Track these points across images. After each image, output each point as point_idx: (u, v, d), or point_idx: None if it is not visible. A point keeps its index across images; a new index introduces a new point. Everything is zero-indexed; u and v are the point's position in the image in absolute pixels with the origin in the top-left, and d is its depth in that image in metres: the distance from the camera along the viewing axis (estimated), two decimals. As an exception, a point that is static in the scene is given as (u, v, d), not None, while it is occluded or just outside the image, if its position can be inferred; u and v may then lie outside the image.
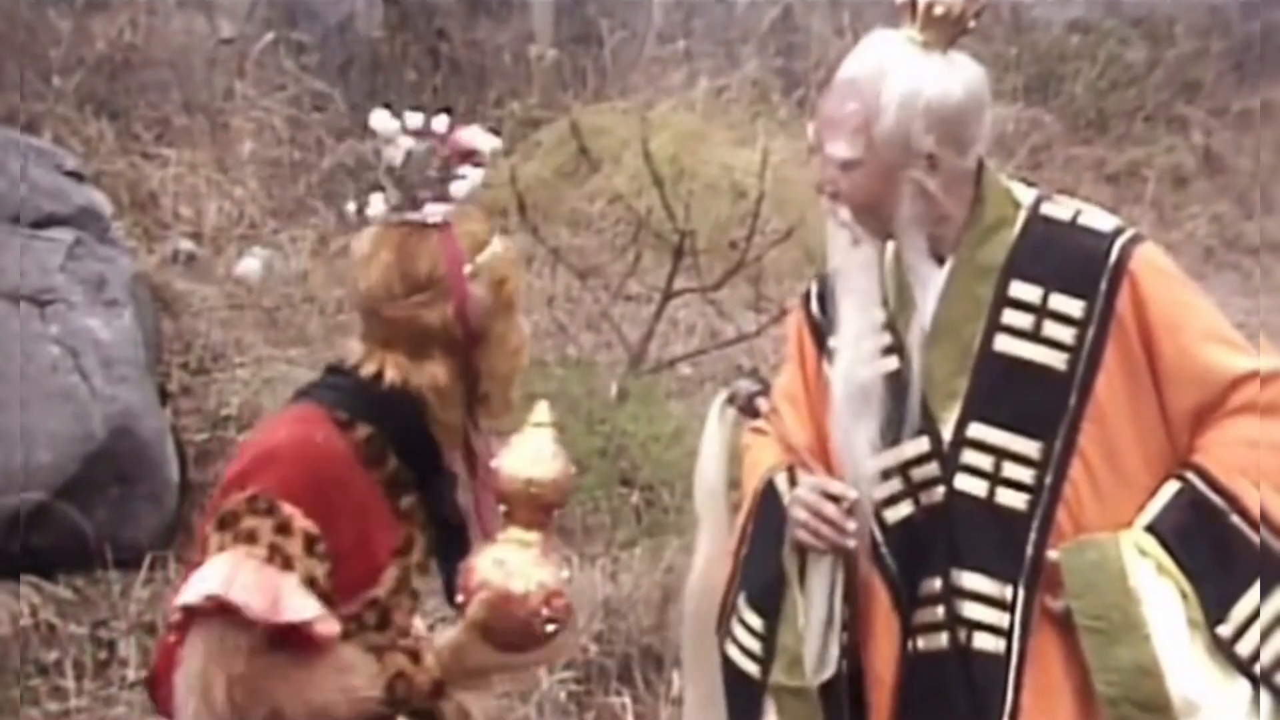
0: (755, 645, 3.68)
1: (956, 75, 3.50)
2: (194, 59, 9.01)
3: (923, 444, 3.58)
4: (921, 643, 3.61)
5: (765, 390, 3.83)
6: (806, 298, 3.76)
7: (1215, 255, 9.93)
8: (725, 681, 3.74)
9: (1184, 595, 3.50)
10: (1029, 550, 3.54)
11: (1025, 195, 3.62)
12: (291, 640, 3.11)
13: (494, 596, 3.11)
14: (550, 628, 3.12)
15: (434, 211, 3.21)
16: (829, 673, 3.62)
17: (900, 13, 3.54)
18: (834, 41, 10.02)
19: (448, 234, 3.21)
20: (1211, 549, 3.51)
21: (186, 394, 7.05)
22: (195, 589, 3.10)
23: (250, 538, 3.11)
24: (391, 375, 3.21)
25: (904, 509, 3.60)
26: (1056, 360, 3.53)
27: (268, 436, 3.26)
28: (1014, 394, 3.55)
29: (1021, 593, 3.54)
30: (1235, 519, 3.51)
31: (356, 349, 3.27)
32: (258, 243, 8.37)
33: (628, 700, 6.04)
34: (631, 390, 7.57)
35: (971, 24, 3.52)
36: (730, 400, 3.83)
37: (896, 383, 3.58)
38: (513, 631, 3.12)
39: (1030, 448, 3.53)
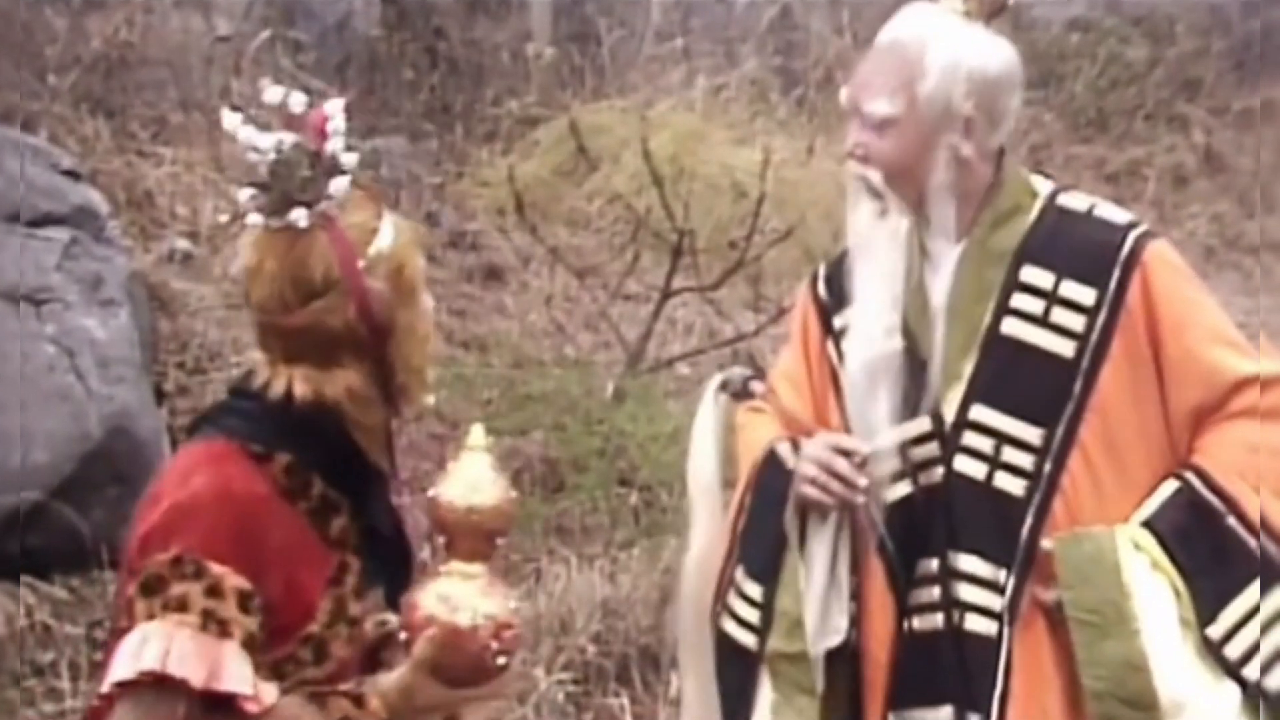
0: (753, 615, 3.66)
1: (996, 47, 3.57)
2: (191, 57, 8.98)
3: (924, 423, 3.59)
4: (917, 622, 3.62)
5: (759, 376, 3.85)
6: (814, 279, 3.77)
7: (1216, 254, 9.93)
8: (719, 663, 3.72)
9: (1177, 594, 3.50)
10: (1023, 537, 3.54)
11: (1043, 186, 3.66)
12: (228, 704, 2.91)
13: (441, 634, 2.95)
14: (501, 660, 2.99)
15: (301, 216, 2.95)
16: (832, 641, 3.62)
17: None
18: (833, 40, 10.02)
19: (334, 230, 2.97)
20: (1207, 550, 3.51)
21: (183, 393, 7.01)
22: (128, 665, 2.88)
23: (181, 605, 2.88)
24: (302, 390, 2.98)
25: (903, 488, 3.61)
26: (1064, 347, 3.54)
27: (183, 485, 2.98)
28: (1019, 378, 3.56)
29: (1013, 579, 3.54)
30: (1232, 521, 3.51)
31: (260, 365, 3.03)
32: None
33: (626, 701, 6.02)
34: (630, 390, 7.56)
35: (1010, 1, 3.60)
36: (723, 386, 3.83)
37: (903, 361, 3.58)
38: (463, 667, 2.97)
39: (1031, 434, 3.54)
